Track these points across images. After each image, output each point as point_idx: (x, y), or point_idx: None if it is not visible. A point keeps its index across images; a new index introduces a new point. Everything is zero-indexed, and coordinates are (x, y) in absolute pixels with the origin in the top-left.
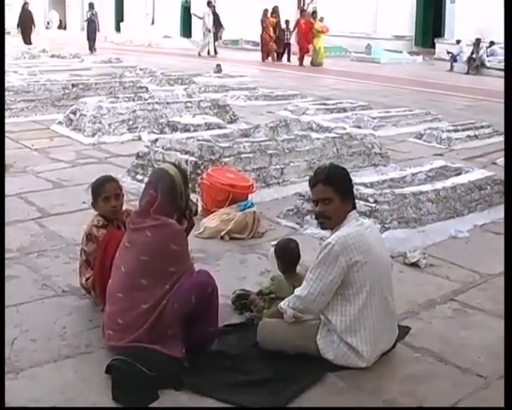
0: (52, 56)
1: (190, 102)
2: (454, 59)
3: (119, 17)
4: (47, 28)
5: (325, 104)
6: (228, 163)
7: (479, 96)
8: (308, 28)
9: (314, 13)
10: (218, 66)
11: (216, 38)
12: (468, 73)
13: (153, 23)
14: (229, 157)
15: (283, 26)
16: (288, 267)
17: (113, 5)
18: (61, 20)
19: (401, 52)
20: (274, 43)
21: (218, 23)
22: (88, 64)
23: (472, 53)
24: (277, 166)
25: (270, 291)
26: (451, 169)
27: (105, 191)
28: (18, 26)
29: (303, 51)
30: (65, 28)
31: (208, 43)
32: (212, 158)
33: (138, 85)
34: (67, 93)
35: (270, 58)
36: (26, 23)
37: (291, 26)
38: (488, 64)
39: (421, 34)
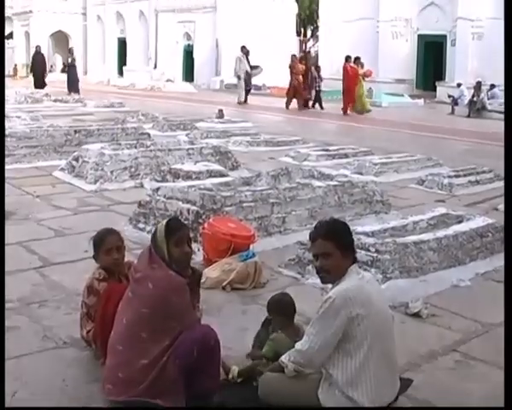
0: (55, 101)
1: (192, 148)
2: (455, 102)
3: (122, 61)
4: (50, 71)
5: (327, 150)
6: (229, 212)
7: (480, 140)
8: (354, 74)
9: (357, 59)
10: (220, 111)
11: (248, 84)
12: (469, 116)
13: (155, 67)
14: (231, 206)
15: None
16: (285, 322)
17: (116, 49)
18: (64, 64)
19: (402, 95)
20: (304, 90)
21: (252, 67)
22: (90, 109)
23: (473, 96)
24: (279, 215)
25: (275, 352)
26: (453, 217)
27: (107, 244)
28: (31, 70)
29: (350, 99)
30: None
31: (241, 90)
32: (214, 207)
33: (140, 132)
34: (70, 139)
35: (297, 105)
36: (38, 67)
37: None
38: (489, 107)
39: (422, 77)
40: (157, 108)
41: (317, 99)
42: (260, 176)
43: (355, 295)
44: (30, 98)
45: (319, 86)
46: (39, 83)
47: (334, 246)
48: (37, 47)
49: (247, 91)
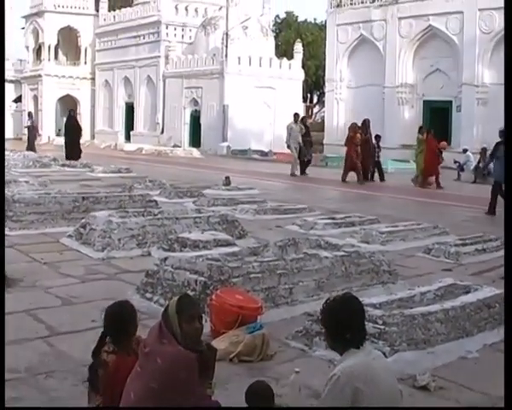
0: (63, 165)
1: (199, 217)
2: (461, 168)
3: (130, 126)
4: (58, 135)
5: (333, 218)
6: (237, 283)
7: (486, 207)
8: (435, 147)
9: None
10: (227, 178)
11: (305, 155)
12: (475, 181)
13: (162, 132)
14: (238, 277)
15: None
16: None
17: (124, 114)
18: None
19: (408, 161)
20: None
21: (307, 138)
22: (98, 174)
23: (478, 162)
24: (286, 286)
25: None
26: (460, 287)
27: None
28: (65, 136)
29: (434, 172)
30: None
31: (295, 162)
32: (222, 278)
33: (148, 199)
34: (78, 206)
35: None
36: (72, 134)
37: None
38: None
39: None
40: (164, 174)
41: (378, 170)
42: (267, 246)
43: (360, 372)
44: (38, 163)
45: (378, 156)
46: (73, 152)
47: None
48: (71, 111)
49: (307, 162)
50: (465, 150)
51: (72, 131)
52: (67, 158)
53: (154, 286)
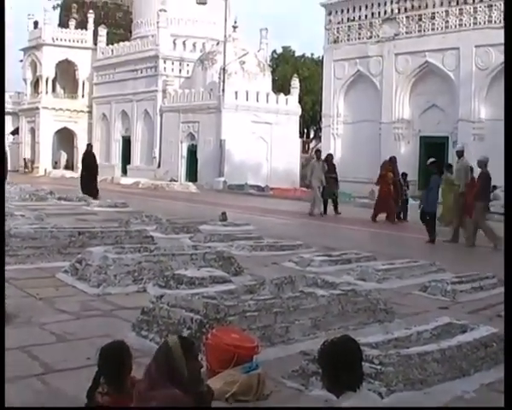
0: (59, 199)
1: (196, 253)
2: None
3: (126, 160)
4: (54, 168)
5: (329, 255)
6: (233, 322)
7: (483, 244)
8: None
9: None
10: (224, 214)
11: (328, 194)
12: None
13: (159, 166)
14: (235, 316)
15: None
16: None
17: (121, 148)
18: (67, 160)
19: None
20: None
21: (332, 176)
22: (94, 208)
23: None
24: (282, 325)
25: None
26: (457, 326)
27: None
28: (81, 176)
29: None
30: (72, 168)
31: (316, 201)
32: (218, 317)
33: (144, 235)
34: (74, 241)
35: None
36: (90, 169)
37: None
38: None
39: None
40: (161, 209)
41: (403, 209)
42: (264, 284)
43: None
44: (34, 196)
45: (406, 195)
46: (91, 190)
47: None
48: (89, 146)
49: (335, 201)
50: None
51: (90, 168)
52: (84, 193)
53: (149, 324)
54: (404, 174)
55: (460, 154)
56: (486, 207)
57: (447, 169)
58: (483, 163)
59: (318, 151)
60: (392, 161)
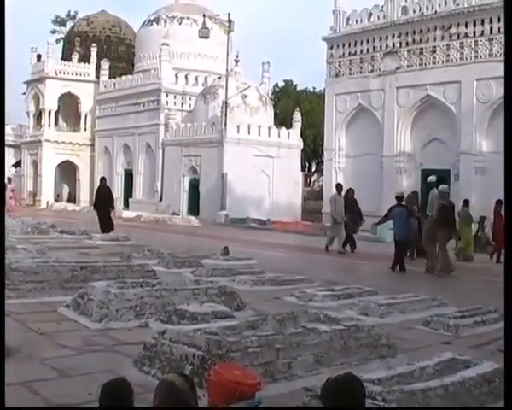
0: (61, 232)
1: (198, 288)
2: (459, 237)
3: (128, 193)
4: (56, 200)
5: (332, 290)
6: (235, 358)
7: (486, 277)
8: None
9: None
10: (226, 248)
11: (350, 229)
12: (474, 251)
13: (161, 200)
14: (237, 352)
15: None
16: None
17: (123, 181)
18: (70, 193)
19: None
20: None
21: (355, 209)
22: (96, 242)
23: (477, 231)
24: (285, 361)
25: None
26: (460, 362)
27: None
28: (94, 207)
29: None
30: (74, 201)
31: (338, 236)
32: (220, 353)
33: (146, 269)
34: (76, 275)
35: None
36: (105, 204)
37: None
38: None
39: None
40: (163, 243)
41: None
42: (266, 320)
43: None
44: (36, 229)
45: None
46: (105, 224)
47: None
48: (103, 179)
49: (350, 237)
50: None
51: (106, 202)
52: (103, 230)
53: (151, 359)
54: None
55: (432, 185)
56: (449, 235)
57: (464, 204)
58: (443, 194)
59: (339, 185)
60: (416, 195)
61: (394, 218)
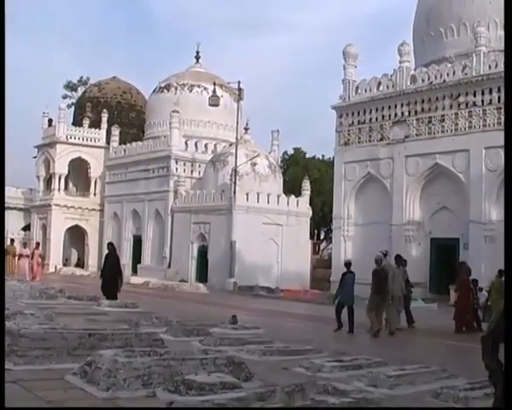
0: (69, 298)
1: (206, 358)
2: None
3: (137, 259)
4: (64, 265)
5: (340, 361)
6: None
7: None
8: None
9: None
10: (234, 317)
11: (405, 302)
12: (483, 320)
13: (169, 266)
14: None
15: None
16: None
17: (131, 246)
18: (79, 258)
19: (416, 300)
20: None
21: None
22: (104, 308)
23: (487, 300)
24: None
25: None
26: None
27: None
28: (100, 276)
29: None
30: (82, 266)
31: (391, 316)
32: None
33: (154, 338)
34: (83, 342)
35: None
36: (112, 270)
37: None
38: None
39: (435, 281)
40: (171, 310)
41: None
42: (274, 392)
43: None
44: (44, 294)
45: (478, 303)
46: (111, 291)
47: None
48: (110, 245)
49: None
50: (480, 289)
51: (112, 268)
52: (107, 297)
53: None
54: (475, 281)
55: (383, 256)
56: (381, 300)
57: (500, 274)
58: (378, 260)
59: (399, 257)
60: (463, 266)
61: (345, 283)
